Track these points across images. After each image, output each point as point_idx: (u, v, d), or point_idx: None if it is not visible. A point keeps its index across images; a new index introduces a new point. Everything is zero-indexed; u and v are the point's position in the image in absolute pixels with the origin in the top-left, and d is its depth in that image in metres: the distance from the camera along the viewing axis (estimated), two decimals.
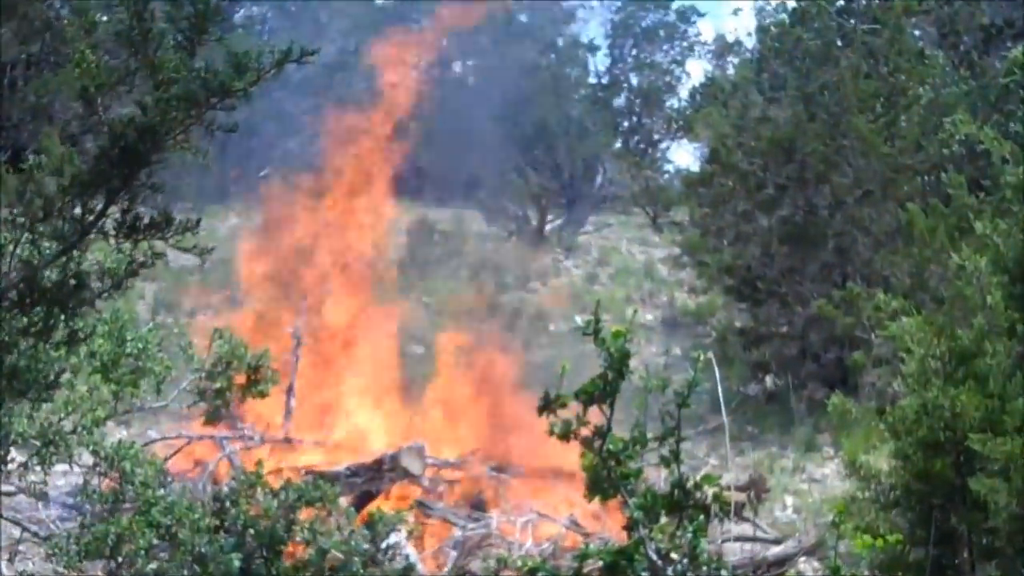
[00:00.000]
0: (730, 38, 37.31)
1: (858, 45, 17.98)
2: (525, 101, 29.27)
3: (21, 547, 9.38)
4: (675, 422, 4.84)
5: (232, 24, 26.34)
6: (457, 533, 10.86)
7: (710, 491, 4.92)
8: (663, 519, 4.87)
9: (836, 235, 17.20)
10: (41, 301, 5.25)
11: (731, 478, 11.45)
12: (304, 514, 7.26)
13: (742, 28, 44.59)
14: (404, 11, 18.62)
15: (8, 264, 5.21)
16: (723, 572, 4.81)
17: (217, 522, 7.03)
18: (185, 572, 6.74)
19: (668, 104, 37.63)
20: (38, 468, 7.66)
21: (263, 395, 9.99)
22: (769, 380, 18.26)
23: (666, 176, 34.45)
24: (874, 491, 6.95)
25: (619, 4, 38.19)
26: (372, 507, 8.75)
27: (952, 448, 6.41)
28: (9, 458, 7.28)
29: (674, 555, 4.77)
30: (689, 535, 4.77)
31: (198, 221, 5.36)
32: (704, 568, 4.75)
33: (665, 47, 38.32)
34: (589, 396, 4.83)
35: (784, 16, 21.71)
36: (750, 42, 31.87)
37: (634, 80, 38.36)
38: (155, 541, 6.90)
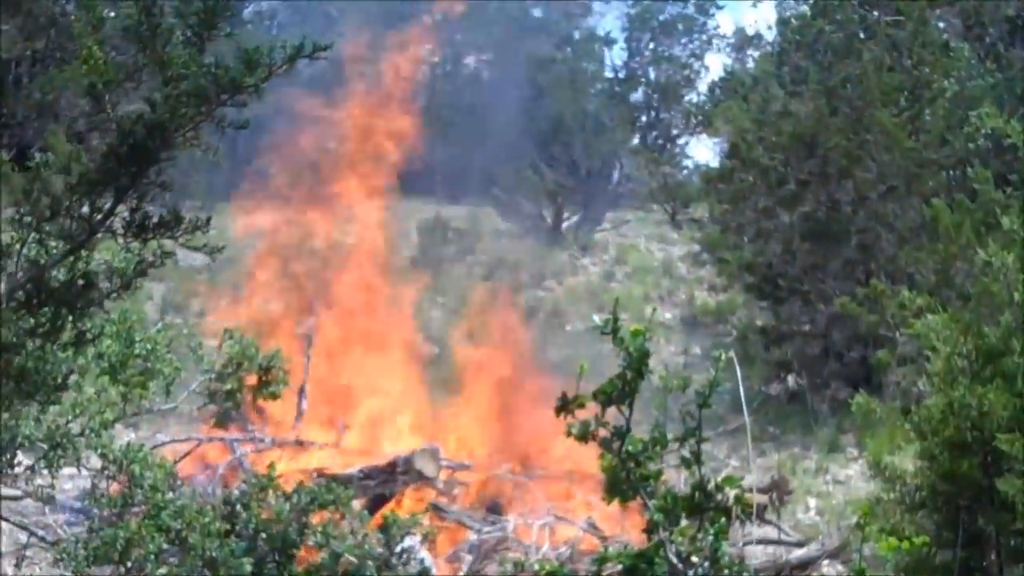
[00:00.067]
0: (750, 31, 37.17)
1: (881, 37, 17.95)
2: (540, 96, 29.32)
3: (28, 552, 9.40)
4: (696, 423, 4.83)
5: (241, 20, 26.38)
6: (472, 536, 10.87)
7: (731, 493, 4.91)
8: (683, 522, 4.86)
9: (859, 231, 17.16)
10: (48, 301, 5.26)
11: (753, 480, 11.42)
12: (317, 517, 7.27)
13: (762, 20, 44.37)
14: (417, 7, 18.61)
15: (15, 264, 5.23)
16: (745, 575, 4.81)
17: (228, 526, 7.04)
18: None
19: (687, 98, 37.59)
20: (45, 471, 7.69)
21: (275, 397, 10.01)
22: (791, 379, 18.21)
23: (685, 172, 34.38)
24: (899, 492, 6.93)
25: None
26: (386, 510, 8.77)
27: (979, 448, 6.40)
28: (16, 461, 7.30)
29: (695, 558, 4.76)
30: (710, 538, 4.76)
31: (208, 219, 5.38)
32: (725, 571, 4.74)
33: (683, 40, 38.27)
34: (607, 396, 4.83)
35: (805, 8, 21.72)
36: (770, 35, 31.75)
37: (652, 74, 38.29)
38: (165, 546, 6.92)
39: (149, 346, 8.87)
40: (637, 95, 38.03)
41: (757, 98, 20.48)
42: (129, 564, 6.83)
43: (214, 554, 6.76)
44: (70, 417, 7.76)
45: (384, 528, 7.42)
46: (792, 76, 20.66)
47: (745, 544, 10.49)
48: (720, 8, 38.87)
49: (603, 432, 4.85)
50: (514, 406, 13.01)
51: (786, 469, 13.99)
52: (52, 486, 7.99)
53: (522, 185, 28.01)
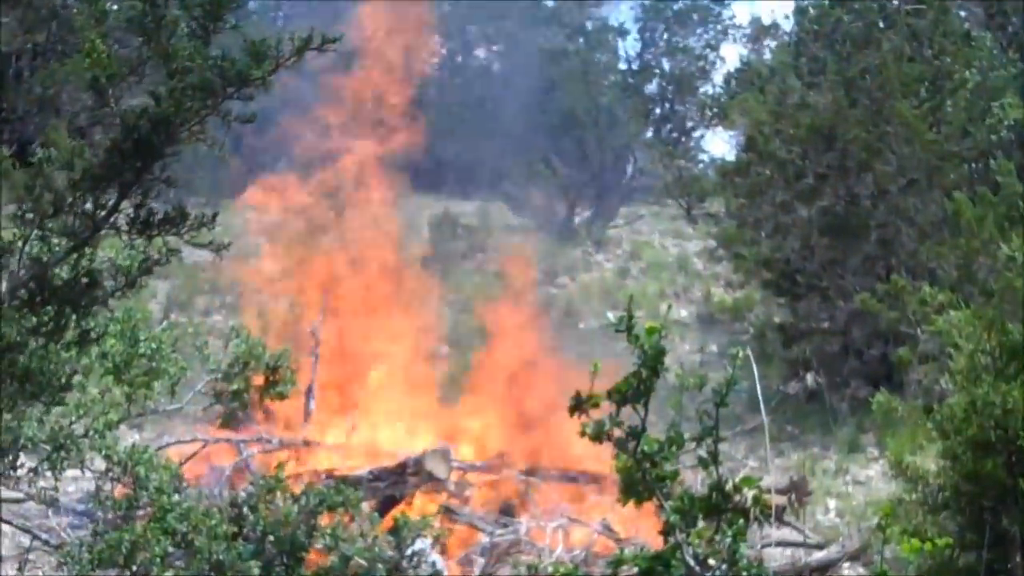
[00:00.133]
0: (766, 20, 37.11)
1: (901, 27, 17.92)
2: (552, 88, 29.28)
3: (31, 556, 9.42)
4: (712, 422, 4.83)
5: (247, 11, 26.40)
6: (485, 539, 10.87)
7: (749, 494, 4.91)
8: (700, 523, 4.86)
9: (879, 226, 17.13)
10: (51, 300, 5.28)
11: (771, 480, 11.39)
12: (326, 520, 7.29)
13: (779, 10, 44.24)
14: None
15: (17, 262, 5.24)
16: None
17: (235, 529, 7.06)
18: None
19: (702, 90, 37.51)
20: (48, 474, 7.72)
21: (282, 397, 10.03)
22: (810, 378, 18.19)
23: (700, 166, 34.31)
24: (922, 493, 6.92)
25: None
26: (396, 512, 8.78)
27: (1003, 447, 6.39)
28: (18, 463, 7.32)
29: (712, 561, 4.76)
30: (728, 540, 4.76)
31: (214, 216, 5.39)
32: (744, 574, 4.74)
33: (698, 31, 38.20)
34: (622, 396, 4.83)
35: None
36: (787, 24, 31.64)
37: (666, 65, 38.24)
38: (171, 549, 6.94)
39: (154, 345, 8.90)
40: (651, 87, 38.00)
41: (774, 89, 20.43)
42: (134, 568, 6.85)
43: (221, 557, 6.77)
44: (73, 418, 7.78)
45: (394, 530, 7.44)
46: (810, 67, 20.61)
47: (764, 546, 10.49)
48: None
49: (618, 432, 4.85)
50: (526, 406, 13.00)
51: (805, 469, 13.99)
52: (55, 488, 8.01)
53: (534, 180, 27.99)
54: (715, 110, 34.86)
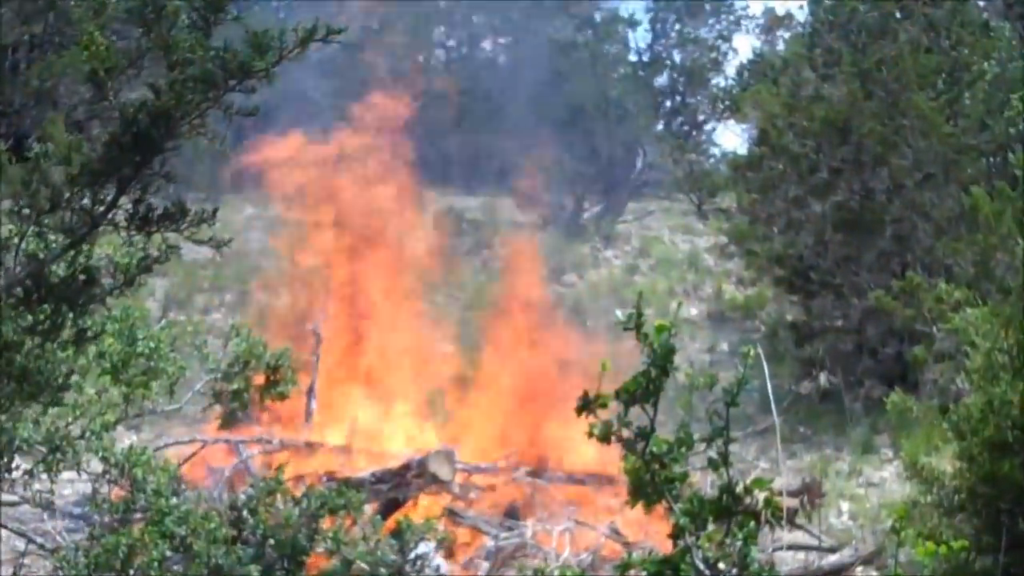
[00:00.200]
0: (780, 11, 37.10)
1: (918, 17, 17.91)
2: (560, 80, 29.24)
3: (26, 560, 9.43)
4: (723, 422, 4.84)
5: (249, 1, 26.42)
6: (489, 543, 10.89)
7: (761, 496, 4.92)
8: (711, 526, 4.87)
9: (895, 221, 17.13)
10: (48, 298, 5.29)
11: (783, 482, 11.44)
12: (327, 523, 7.31)
13: (793, 0, 44.20)
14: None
15: (13, 258, 5.26)
16: None
17: (235, 532, 7.08)
18: None
19: (714, 82, 37.41)
20: (44, 476, 7.74)
21: (283, 397, 10.05)
22: (823, 377, 18.20)
23: (712, 160, 34.25)
24: (937, 495, 6.93)
25: None
26: (399, 515, 8.80)
27: (1021, 448, 6.40)
28: (13, 465, 7.34)
29: (722, 565, 4.77)
30: (739, 543, 4.77)
31: (214, 212, 5.40)
32: None
33: (710, 21, 38.11)
34: (631, 395, 4.84)
35: None
36: (801, 15, 31.62)
37: (677, 57, 38.14)
38: (169, 553, 6.96)
39: (152, 344, 8.92)
40: (662, 79, 37.93)
41: (788, 81, 20.42)
42: (132, 572, 6.87)
43: (220, 561, 6.79)
44: (70, 419, 7.80)
45: (397, 534, 7.45)
46: (824, 58, 20.57)
47: (775, 550, 10.49)
48: None
49: (626, 433, 4.86)
50: (533, 405, 13.01)
51: (818, 471, 14.00)
52: (51, 491, 8.03)
53: (541, 174, 27.97)
54: (727, 103, 34.80)
